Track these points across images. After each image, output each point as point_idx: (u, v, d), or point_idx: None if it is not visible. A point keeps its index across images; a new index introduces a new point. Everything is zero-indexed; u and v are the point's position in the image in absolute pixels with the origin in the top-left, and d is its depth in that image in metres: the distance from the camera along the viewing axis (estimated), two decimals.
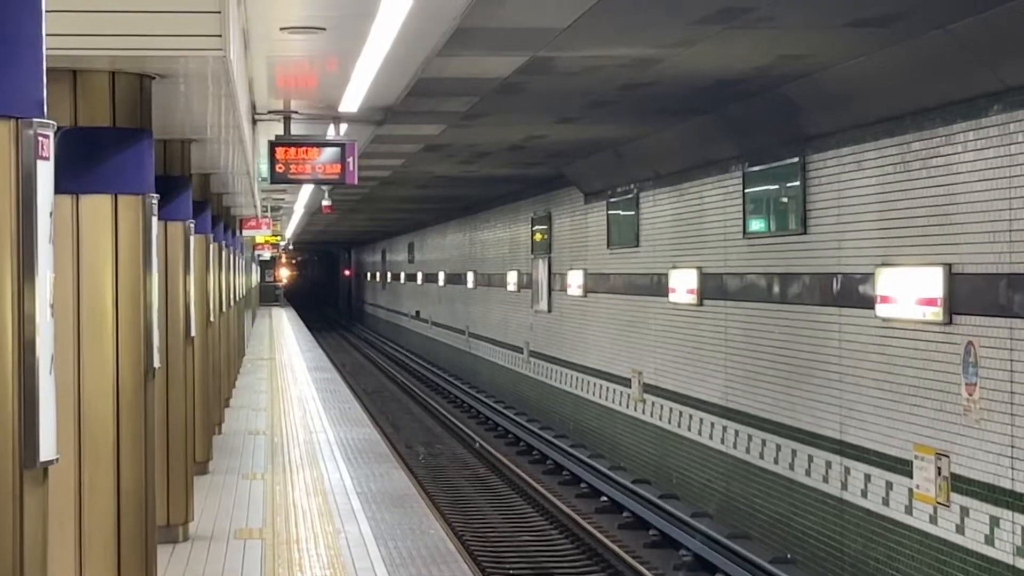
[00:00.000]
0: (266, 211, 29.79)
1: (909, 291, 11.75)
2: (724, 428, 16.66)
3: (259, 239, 40.73)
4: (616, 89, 13.76)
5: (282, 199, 28.49)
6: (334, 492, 13.25)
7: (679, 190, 18.36)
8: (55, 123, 3.76)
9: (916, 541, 11.76)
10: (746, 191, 15.87)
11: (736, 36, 10.94)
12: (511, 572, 15.13)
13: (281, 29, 8.89)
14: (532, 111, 15.66)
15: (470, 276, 36.75)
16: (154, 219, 7.26)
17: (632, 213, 20.50)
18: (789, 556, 14.52)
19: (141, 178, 7.19)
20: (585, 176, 22.62)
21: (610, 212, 21.85)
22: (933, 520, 11.46)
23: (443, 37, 9.89)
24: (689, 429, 17.99)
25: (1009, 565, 10.33)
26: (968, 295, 10.91)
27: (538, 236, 27.58)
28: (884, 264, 12.27)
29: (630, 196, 20.57)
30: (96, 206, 7.00)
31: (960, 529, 11.02)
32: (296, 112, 13.07)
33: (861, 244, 12.86)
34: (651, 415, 19.71)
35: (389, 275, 61.71)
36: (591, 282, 23.20)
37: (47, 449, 3.72)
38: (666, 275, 18.67)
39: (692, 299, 17.67)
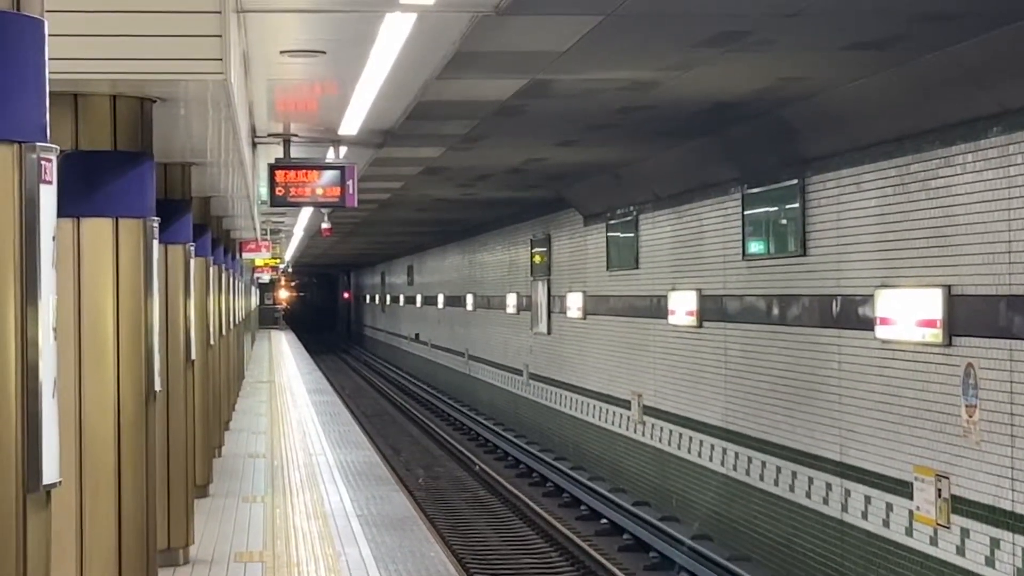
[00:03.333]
0: (266, 234, 29.80)
1: (909, 313, 11.76)
2: (724, 450, 16.65)
3: (259, 262, 40.76)
4: (615, 112, 13.79)
5: (282, 222, 28.51)
6: (334, 515, 13.23)
7: (678, 212, 18.38)
8: (58, 147, 3.77)
9: (916, 563, 11.75)
10: (745, 213, 15.89)
11: (735, 59, 10.97)
12: None
13: (281, 53, 8.91)
14: (531, 134, 15.69)
15: (469, 298, 36.75)
16: (155, 242, 7.28)
17: (631, 235, 20.52)
18: None
19: (142, 201, 7.21)
20: (584, 198, 22.65)
21: (609, 234, 21.87)
22: (933, 542, 11.45)
23: (442, 60, 9.91)
24: (689, 451, 17.98)
25: None
26: (968, 317, 10.92)
27: (537, 258, 27.60)
28: (883, 286, 12.29)
29: (629, 218, 20.60)
30: (97, 229, 7.02)
31: (960, 551, 11.01)
32: (296, 135, 13.09)
33: (860, 266, 12.87)
34: (651, 437, 19.70)
35: (388, 298, 61.72)
36: (590, 304, 23.20)
37: (50, 472, 3.73)
38: (665, 297, 18.68)
39: (692, 321, 17.68)
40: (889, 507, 12.30)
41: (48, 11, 3.78)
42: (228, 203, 15.62)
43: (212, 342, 14.62)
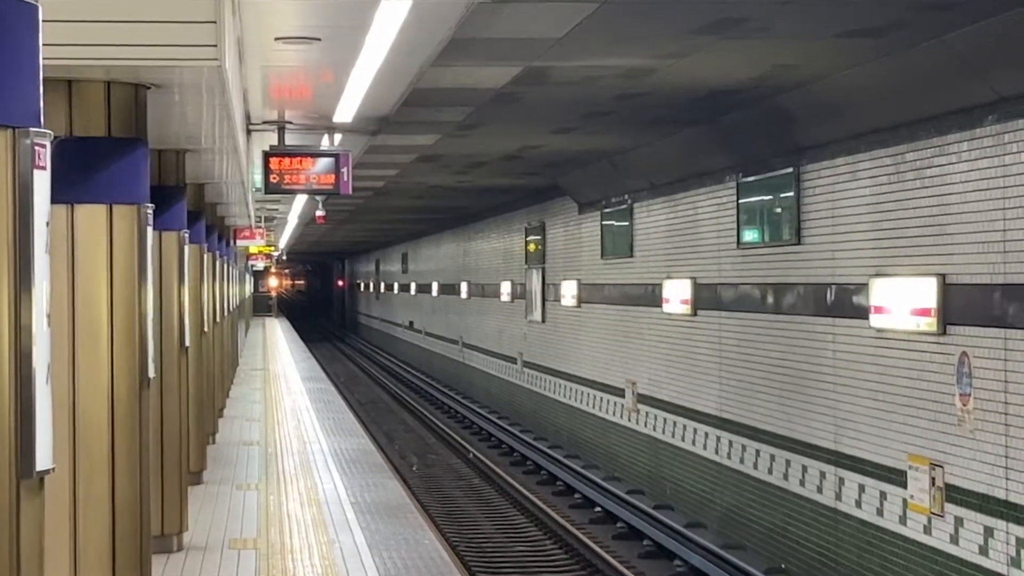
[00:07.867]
0: (260, 221, 29.78)
1: (903, 301, 11.76)
2: (718, 438, 16.66)
3: (253, 249, 40.75)
4: (611, 99, 13.78)
5: (276, 209, 28.49)
6: (328, 502, 13.23)
7: (673, 200, 18.37)
8: (51, 133, 3.76)
9: (910, 551, 11.76)
10: (740, 201, 15.89)
11: (731, 47, 10.95)
12: None
13: (276, 39, 8.89)
14: (527, 121, 15.67)
15: (464, 286, 36.74)
16: (149, 229, 7.26)
17: (626, 223, 20.51)
18: (784, 567, 14.52)
19: (136, 188, 7.19)
20: (579, 186, 22.63)
21: (604, 222, 21.86)
22: (927, 530, 11.46)
23: (438, 47, 9.89)
24: (683, 439, 17.99)
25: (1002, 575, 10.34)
26: (962, 305, 10.92)
27: (532, 246, 27.58)
28: (878, 274, 12.29)
29: (624, 206, 20.58)
30: (91, 216, 7.00)
31: (954, 539, 11.02)
32: (290, 122, 13.07)
33: (855, 254, 12.87)
34: (645, 425, 19.71)
35: (383, 285, 61.69)
36: (585, 292, 23.20)
37: (43, 459, 3.72)
38: (660, 285, 18.68)
39: (686, 309, 17.67)
40: (883, 495, 12.31)
41: None
42: (222, 190, 15.60)
43: (206, 329, 14.61)
